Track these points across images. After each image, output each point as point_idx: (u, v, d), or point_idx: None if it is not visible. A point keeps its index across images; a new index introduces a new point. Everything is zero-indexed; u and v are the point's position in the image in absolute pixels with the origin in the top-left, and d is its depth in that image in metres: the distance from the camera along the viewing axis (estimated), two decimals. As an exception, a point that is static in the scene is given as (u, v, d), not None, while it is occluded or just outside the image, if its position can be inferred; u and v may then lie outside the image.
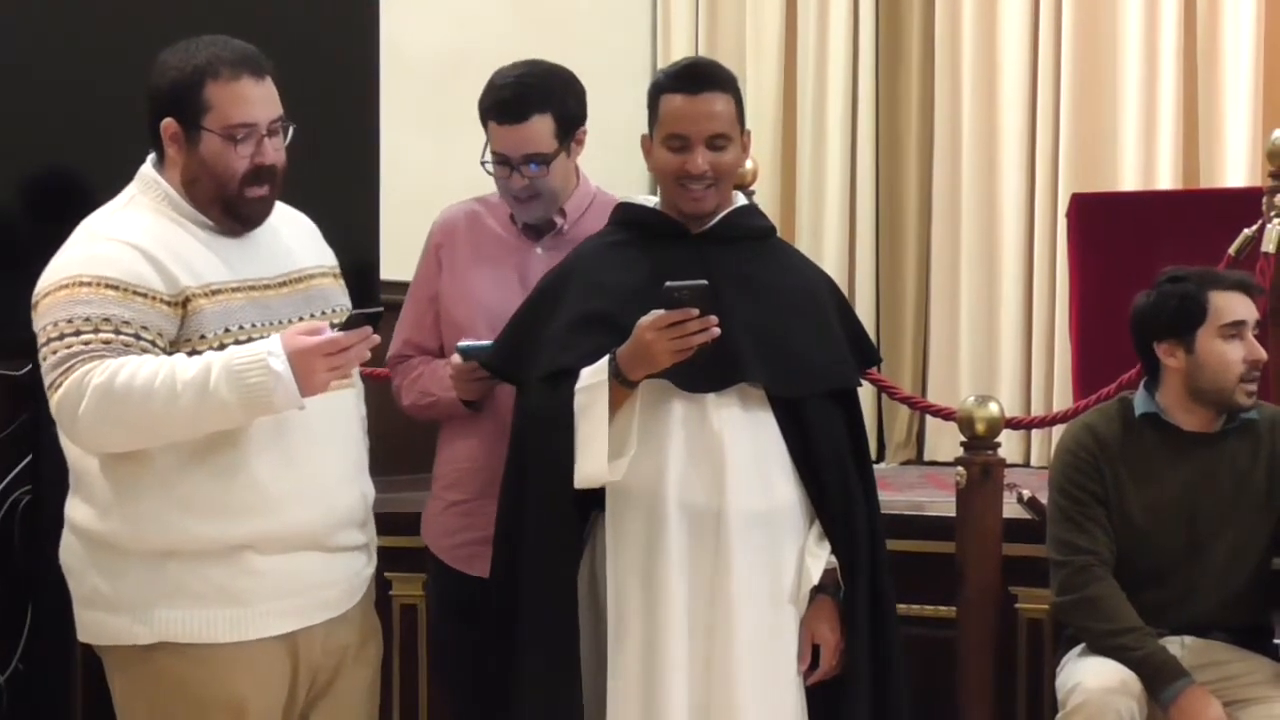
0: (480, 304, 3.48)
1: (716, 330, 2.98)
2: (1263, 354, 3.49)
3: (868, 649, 3.19)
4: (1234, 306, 3.49)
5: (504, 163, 3.41)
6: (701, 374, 3.10)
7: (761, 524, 3.14)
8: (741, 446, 3.14)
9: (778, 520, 3.16)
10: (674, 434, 3.13)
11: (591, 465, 3.06)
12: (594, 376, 3.08)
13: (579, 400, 3.07)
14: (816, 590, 3.17)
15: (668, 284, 2.98)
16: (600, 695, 3.15)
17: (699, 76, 3.20)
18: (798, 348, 3.21)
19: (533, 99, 3.38)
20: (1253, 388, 3.49)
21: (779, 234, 3.46)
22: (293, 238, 3.06)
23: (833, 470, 3.19)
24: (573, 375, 3.10)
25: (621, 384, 3.06)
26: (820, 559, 3.17)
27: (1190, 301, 3.50)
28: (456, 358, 3.38)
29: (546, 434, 3.11)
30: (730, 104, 3.19)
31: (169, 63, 2.91)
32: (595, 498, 3.15)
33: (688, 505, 3.11)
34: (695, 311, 2.96)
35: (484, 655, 3.27)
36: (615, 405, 3.07)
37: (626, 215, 3.33)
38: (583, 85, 3.48)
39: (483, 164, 3.45)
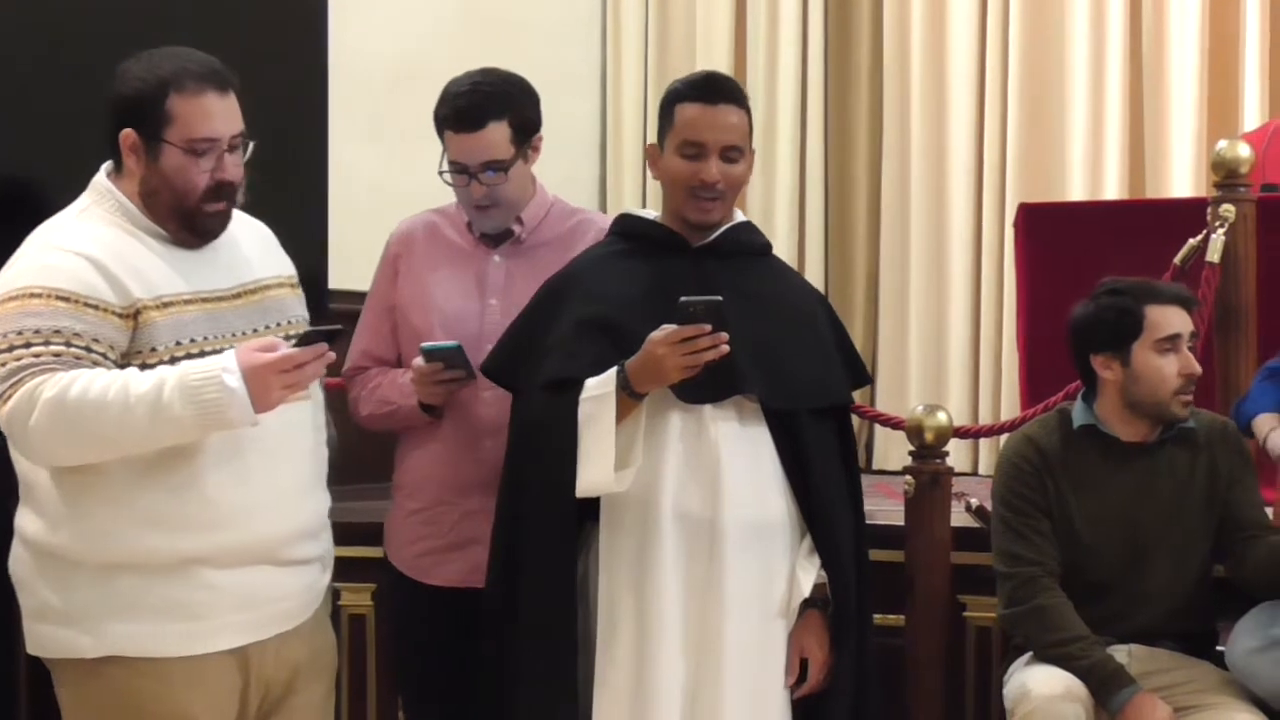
0: (438, 310, 3.49)
1: (726, 347, 3.00)
2: (1197, 368, 3.51)
3: (852, 664, 3.22)
4: (1170, 320, 3.51)
5: (462, 171, 3.42)
6: (700, 385, 3.11)
7: (755, 536, 3.17)
8: (738, 458, 3.17)
9: (770, 533, 3.19)
10: (670, 444, 3.15)
11: (596, 474, 3.07)
12: (601, 388, 3.09)
13: (584, 410, 3.09)
14: (805, 604, 3.20)
15: (683, 299, 3.00)
16: (586, 704, 3.16)
17: (717, 88, 3.24)
18: (793, 362, 3.24)
19: (489, 106, 3.39)
20: (1188, 399, 3.51)
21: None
22: (252, 248, 3.04)
23: (824, 485, 3.23)
24: (576, 385, 3.11)
25: (629, 396, 3.08)
26: (811, 572, 3.21)
27: (1126, 315, 3.51)
28: (420, 360, 3.37)
29: (549, 442, 3.13)
30: (744, 119, 3.23)
31: (132, 72, 2.88)
32: (587, 508, 3.16)
33: (683, 515, 3.14)
34: (708, 327, 2.99)
35: (474, 663, 3.29)
36: (621, 417, 3.08)
37: (627, 227, 3.35)
38: (537, 92, 3.49)
39: (440, 174, 3.45)
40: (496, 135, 3.39)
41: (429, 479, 3.49)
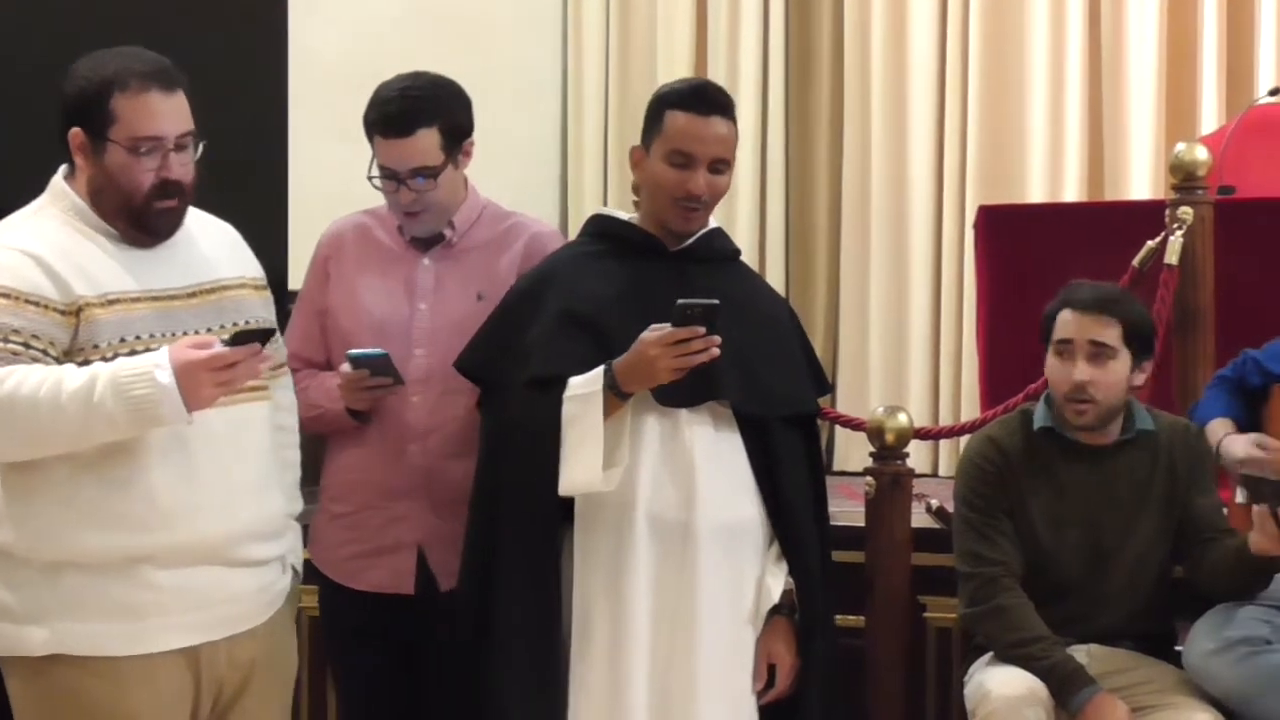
0: (367, 314, 3.47)
1: (717, 350, 3.01)
2: (1076, 379, 3.45)
3: (819, 669, 3.24)
4: (1064, 326, 3.49)
5: (391, 177, 3.39)
6: (677, 388, 3.12)
7: (727, 540, 3.18)
8: (711, 462, 3.18)
9: (741, 537, 3.21)
10: (646, 447, 3.16)
11: (583, 473, 3.07)
12: (587, 386, 3.09)
13: (568, 409, 3.09)
14: (773, 610, 3.22)
15: (680, 301, 3.01)
16: (563, 704, 3.16)
17: (709, 99, 3.23)
18: (766, 369, 3.25)
19: (418, 112, 3.35)
20: (1080, 408, 3.47)
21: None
22: (213, 248, 3.02)
23: (793, 492, 3.25)
24: (560, 383, 3.11)
25: (616, 396, 3.08)
26: (780, 578, 3.23)
27: (1047, 317, 3.54)
28: (346, 366, 3.36)
29: (532, 440, 3.12)
30: (733, 130, 3.23)
31: (79, 72, 2.88)
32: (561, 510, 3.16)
33: (657, 518, 3.15)
34: (702, 330, 2.99)
35: (444, 659, 3.28)
36: (606, 416, 3.08)
37: (602, 227, 3.36)
38: (469, 96, 3.46)
39: (370, 179, 3.42)
40: (426, 142, 3.35)
41: (355, 483, 3.47)
